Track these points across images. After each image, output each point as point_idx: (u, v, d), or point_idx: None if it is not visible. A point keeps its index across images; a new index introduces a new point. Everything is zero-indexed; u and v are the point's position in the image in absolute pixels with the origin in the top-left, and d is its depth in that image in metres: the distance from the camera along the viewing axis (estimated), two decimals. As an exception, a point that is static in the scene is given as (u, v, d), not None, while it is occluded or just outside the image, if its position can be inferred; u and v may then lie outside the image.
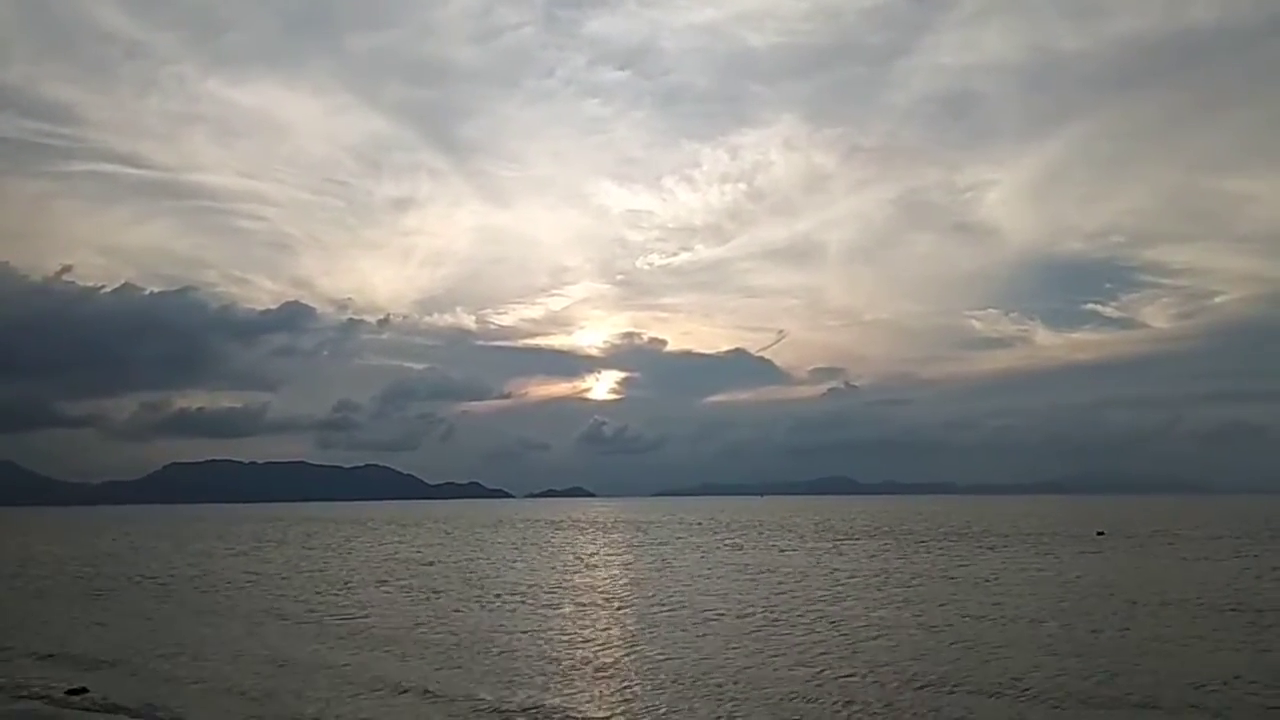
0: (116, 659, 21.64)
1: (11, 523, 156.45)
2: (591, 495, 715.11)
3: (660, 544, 66.27)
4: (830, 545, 61.36)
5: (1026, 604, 28.55)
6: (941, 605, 28.45)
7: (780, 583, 36.05)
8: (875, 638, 22.55)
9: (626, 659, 20.49)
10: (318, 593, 35.44)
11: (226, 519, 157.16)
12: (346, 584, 38.45)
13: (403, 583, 38.94)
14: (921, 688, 16.82)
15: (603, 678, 18.54)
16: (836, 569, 42.35)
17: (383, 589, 36.49)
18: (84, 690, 17.80)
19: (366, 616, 28.40)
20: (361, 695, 17.25)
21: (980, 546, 58.02)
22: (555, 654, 21.09)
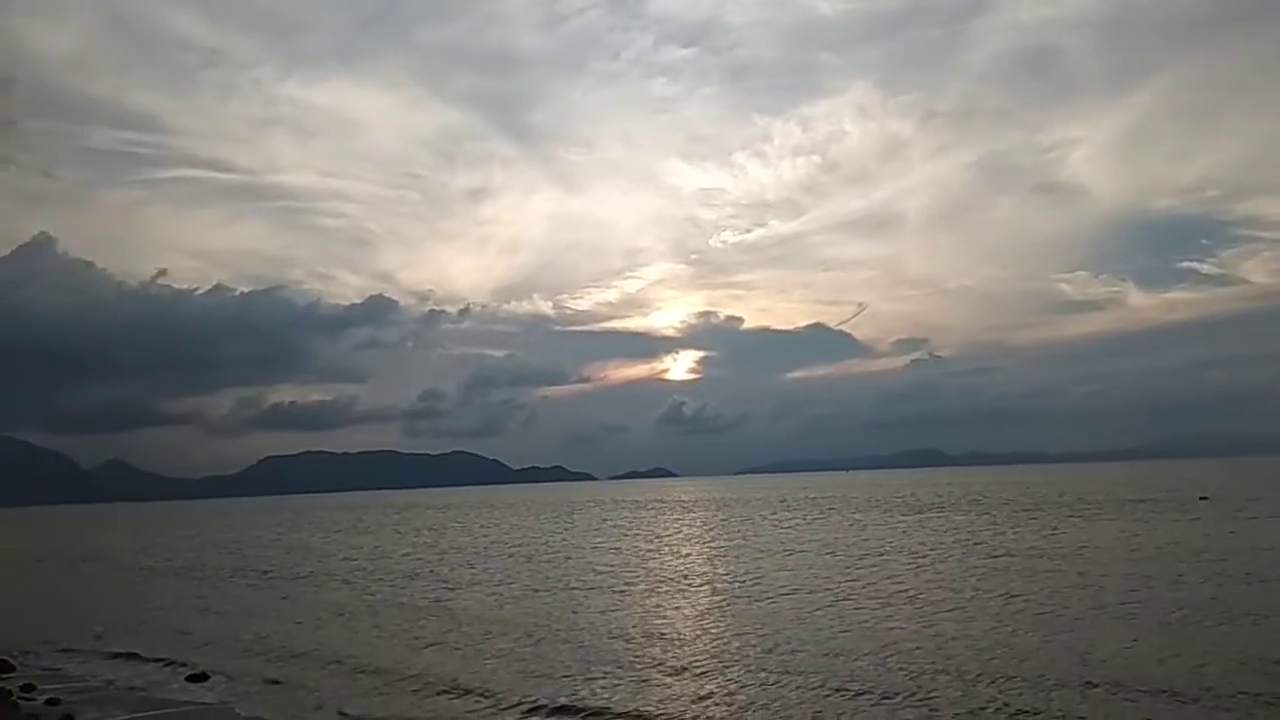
0: (232, 644, 23.16)
1: (123, 518, 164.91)
2: (673, 475, 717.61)
3: (741, 521, 66.66)
4: (913, 518, 60.88)
5: (1118, 575, 28.03)
6: (1025, 577, 28.24)
7: (860, 557, 36.15)
8: (951, 610, 22.64)
9: (703, 637, 21.07)
10: (412, 576, 36.88)
11: (322, 509, 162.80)
12: (439, 560, 39.97)
13: (489, 566, 40.17)
14: (992, 660, 16.97)
15: (678, 656, 19.14)
16: (919, 542, 42.17)
17: (470, 570, 37.75)
18: (205, 676, 19.14)
19: (454, 597, 29.57)
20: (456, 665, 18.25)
21: (1070, 515, 56.83)
22: (632, 633, 21.76)
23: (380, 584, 34.73)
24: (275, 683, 18.15)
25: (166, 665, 20.41)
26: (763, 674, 16.53)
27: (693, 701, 14.83)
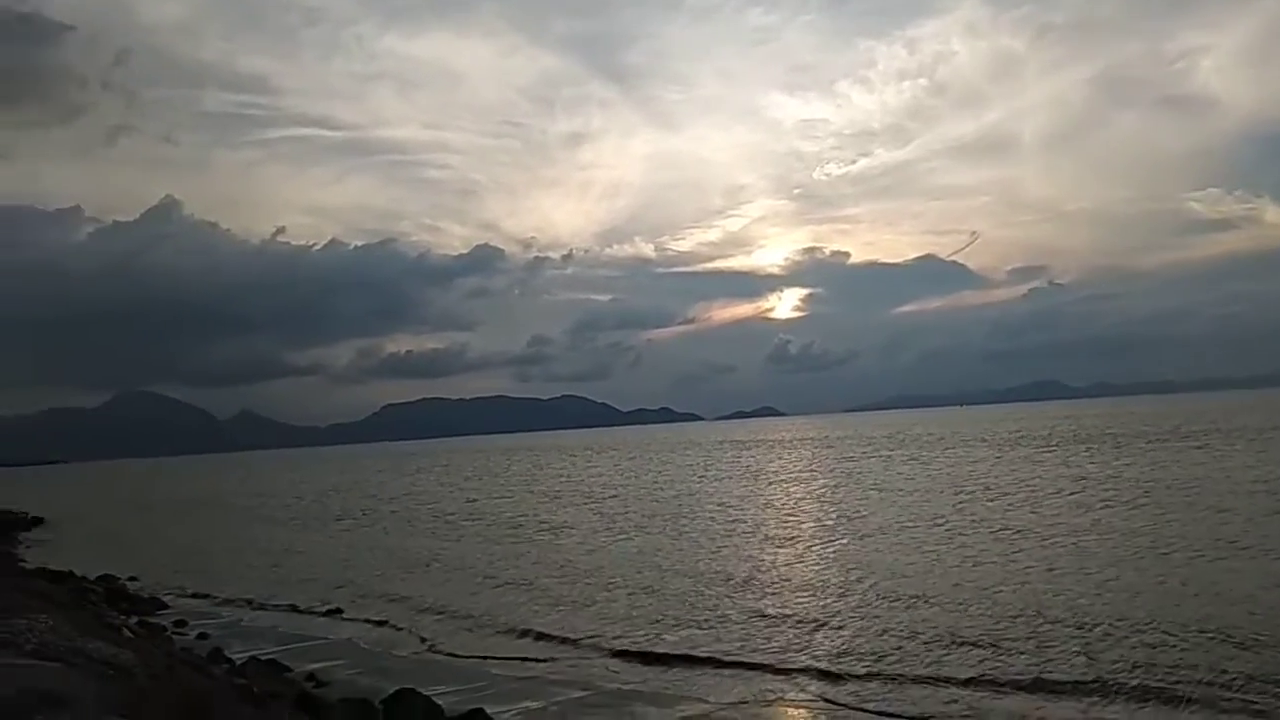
0: (359, 581, 24.72)
1: (258, 465, 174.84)
2: (781, 414, 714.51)
3: (848, 459, 66.32)
4: (1028, 453, 59.40)
5: (1252, 511, 26.84)
6: (1148, 514, 27.40)
7: (972, 494, 35.67)
8: (1065, 547, 22.26)
9: (804, 578, 21.37)
10: (526, 515, 38.27)
11: (438, 454, 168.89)
12: (554, 500, 41.35)
13: (597, 508, 41.26)
14: (1105, 602, 16.72)
15: (780, 601, 19.51)
16: (1033, 477, 41.25)
17: (580, 510, 38.89)
18: (341, 610, 20.55)
19: (564, 535, 30.63)
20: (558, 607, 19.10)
21: (1198, 447, 54.38)
22: (733, 576, 22.20)
23: (491, 528, 36.10)
24: (381, 623, 19.32)
25: (299, 606, 21.91)
26: (867, 617, 16.67)
27: (797, 649, 15.10)
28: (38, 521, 55.04)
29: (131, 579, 26.25)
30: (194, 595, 24.05)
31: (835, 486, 43.86)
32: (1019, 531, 24.93)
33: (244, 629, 19.32)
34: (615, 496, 46.27)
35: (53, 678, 5.10)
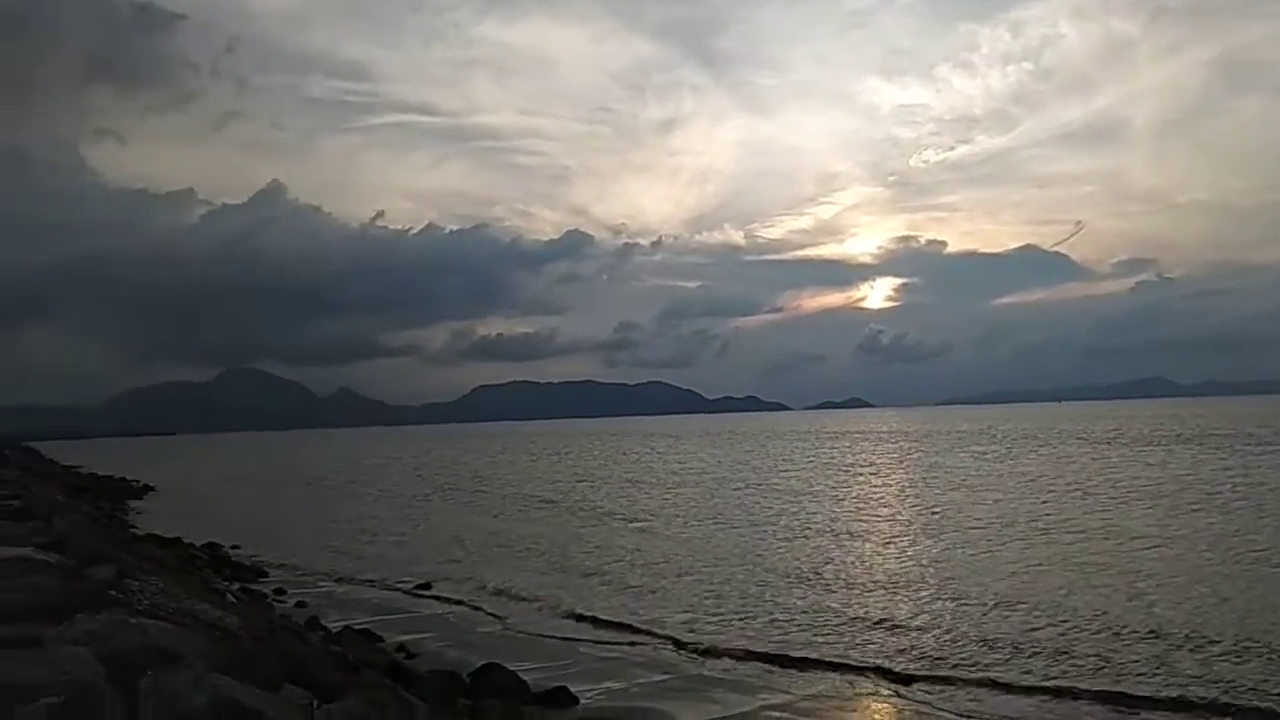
0: (446, 559, 25.38)
1: (355, 442, 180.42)
2: (870, 406, 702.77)
3: (937, 454, 64.92)
4: (1127, 453, 57.14)
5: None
6: (1235, 514, 26.16)
7: (1062, 493, 34.57)
8: (1155, 548, 21.46)
9: (886, 572, 21.07)
10: (609, 501, 38.66)
11: (527, 436, 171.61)
12: (636, 486, 41.69)
13: (680, 493, 41.39)
14: (1189, 609, 16.05)
15: (859, 601, 19.28)
16: (1129, 477, 39.71)
17: (662, 497, 39.08)
18: (429, 585, 21.15)
19: (645, 522, 30.83)
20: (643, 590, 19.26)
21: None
22: (814, 566, 22.03)
23: (575, 513, 36.53)
24: (466, 600, 19.76)
25: (390, 581, 22.58)
26: (945, 619, 16.33)
27: (872, 647, 14.92)
28: (148, 489, 57.97)
29: (234, 547, 27.44)
30: (292, 565, 24.98)
31: (922, 482, 43.02)
32: (1109, 534, 24.05)
33: (338, 599, 20.03)
34: (696, 485, 46.34)
35: (165, 635, 5.40)
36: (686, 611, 17.22)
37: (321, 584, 22.15)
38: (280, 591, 20.34)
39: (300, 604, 18.85)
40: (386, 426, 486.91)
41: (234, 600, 14.28)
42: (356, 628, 15.63)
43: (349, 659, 11.35)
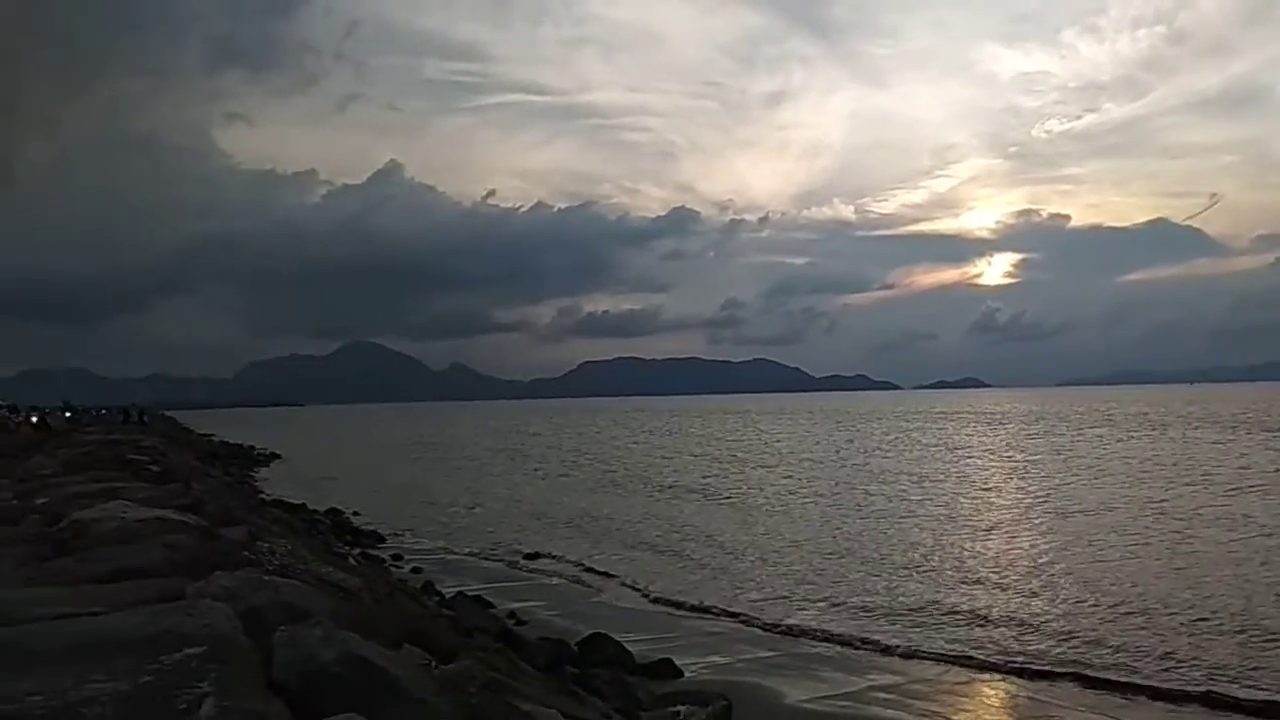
0: (554, 529, 25.92)
1: (467, 414, 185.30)
2: (986, 386, 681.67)
3: (1056, 436, 62.49)
4: (1264, 438, 53.77)
5: None
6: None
7: (1191, 479, 32.84)
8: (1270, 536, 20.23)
9: (999, 562, 20.51)
10: (711, 479, 38.73)
11: (634, 410, 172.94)
12: (741, 464, 41.66)
13: (785, 472, 41.10)
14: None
15: (970, 581, 18.81)
16: (1266, 464, 37.41)
17: (766, 476, 38.90)
18: (537, 555, 21.66)
19: (748, 502, 30.74)
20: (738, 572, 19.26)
21: None
22: (923, 554, 21.59)
23: (678, 490, 36.70)
24: (573, 570, 20.10)
25: (499, 549, 23.20)
26: (1062, 614, 15.81)
27: (984, 642, 14.57)
28: (275, 457, 60.98)
29: (354, 513, 28.64)
30: (406, 532, 25.93)
31: (1040, 466, 41.48)
32: (1242, 523, 22.76)
33: (451, 566, 20.70)
34: (805, 462, 45.91)
35: (295, 593, 5.71)
36: (783, 594, 17.12)
37: (434, 551, 22.93)
38: (397, 557, 21.15)
39: (416, 569, 19.56)
40: (496, 400, 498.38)
41: (355, 564, 14.92)
42: (469, 594, 16.14)
43: (462, 623, 11.75)
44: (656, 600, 16.96)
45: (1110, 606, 15.08)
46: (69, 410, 74.23)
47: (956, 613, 15.19)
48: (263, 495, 31.91)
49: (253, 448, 68.16)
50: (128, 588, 5.99)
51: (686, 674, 11.82)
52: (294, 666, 4.41)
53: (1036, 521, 24.73)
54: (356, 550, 20.74)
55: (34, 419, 53.82)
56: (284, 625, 4.85)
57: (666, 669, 11.84)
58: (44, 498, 12.35)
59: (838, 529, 24.23)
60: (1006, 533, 23.15)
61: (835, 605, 16.03)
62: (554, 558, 21.51)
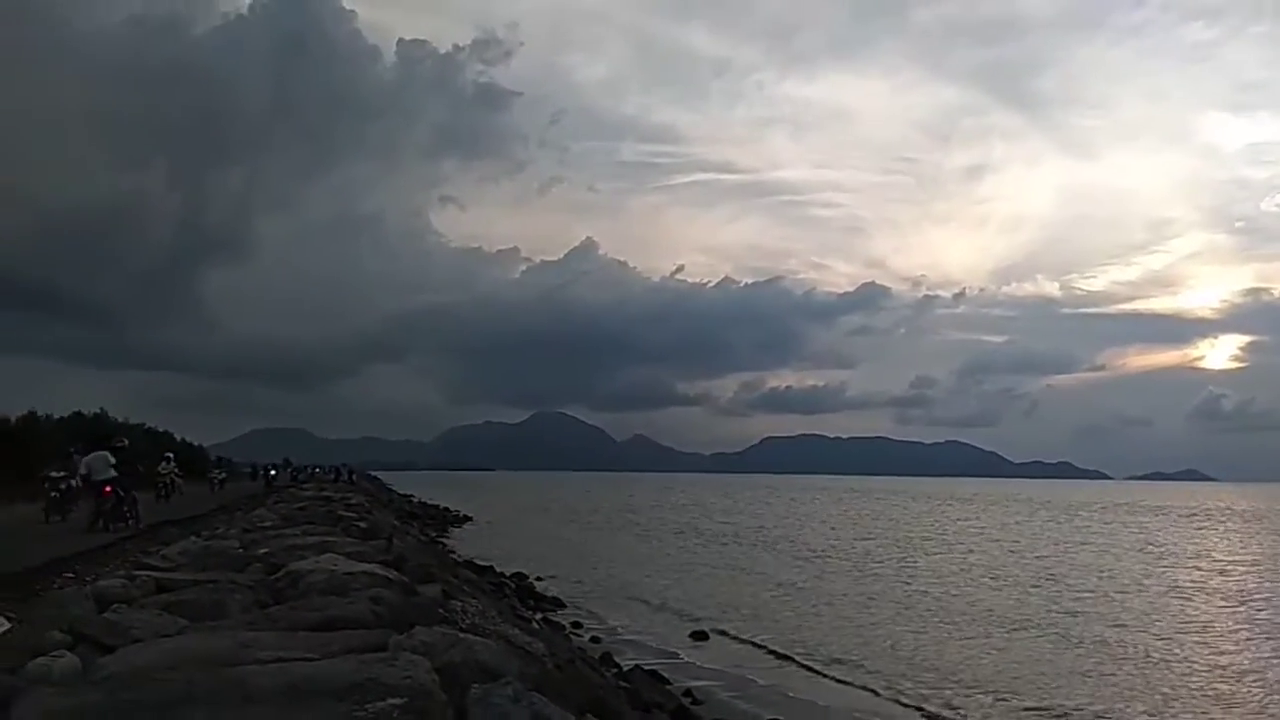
0: (737, 606, 25.56)
1: (649, 485, 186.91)
2: (1209, 479, 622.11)
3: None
4: None
5: None
6: None
7: None
8: None
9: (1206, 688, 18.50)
10: (882, 561, 37.13)
11: (820, 489, 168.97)
12: (917, 550, 39.73)
13: (999, 568, 38.85)
14: None
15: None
16: None
17: (959, 566, 36.88)
18: (705, 635, 21.38)
19: (945, 592, 29.19)
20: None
21: None
22: (1132, 671, 19.79)
23: (867, 572, 35.38)
24: (755, 650, 19.61)
25: (681, 623, 23.05)
26: None
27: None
28: (467, 519, 63.52)
29: (538, 579, 29.33)
30: (589, 602, 26.24)
31: (1265, 572, 37.23)
32: None
33: (630, 639, 20.72)
34: (1007, 554, 43.25)
35: (486, 652, 5.94)
36: (989, 693, 16.08)
37: (614, 621, 23.05)
38: (577, 625, 21.43)
39: (595, 639, 19.73)
40: (677, 473, 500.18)
41: (538, 628, 15.28)
42: (645, 668, 16.11)
43: (640, 697, 11.75)
44: (831, 691, 16.29)
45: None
46: (289, 467, 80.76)
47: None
48: (454, 555, 33.25)
49: (447, 509, 71.29)
50: (337, 636, 6.44)
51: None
52: (486, 722, 4.59)
53: (1259, 639, 22.16)
54: (539, 615, 21.19)
55: (263, 474, 59.34)
56: (476, 683, 5.06)
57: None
58: (265, 548, 13.46)
59: (1046, 635, 22.62)
60: (1226, 655, 20.87)
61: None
62: (737, 637, 21.15)
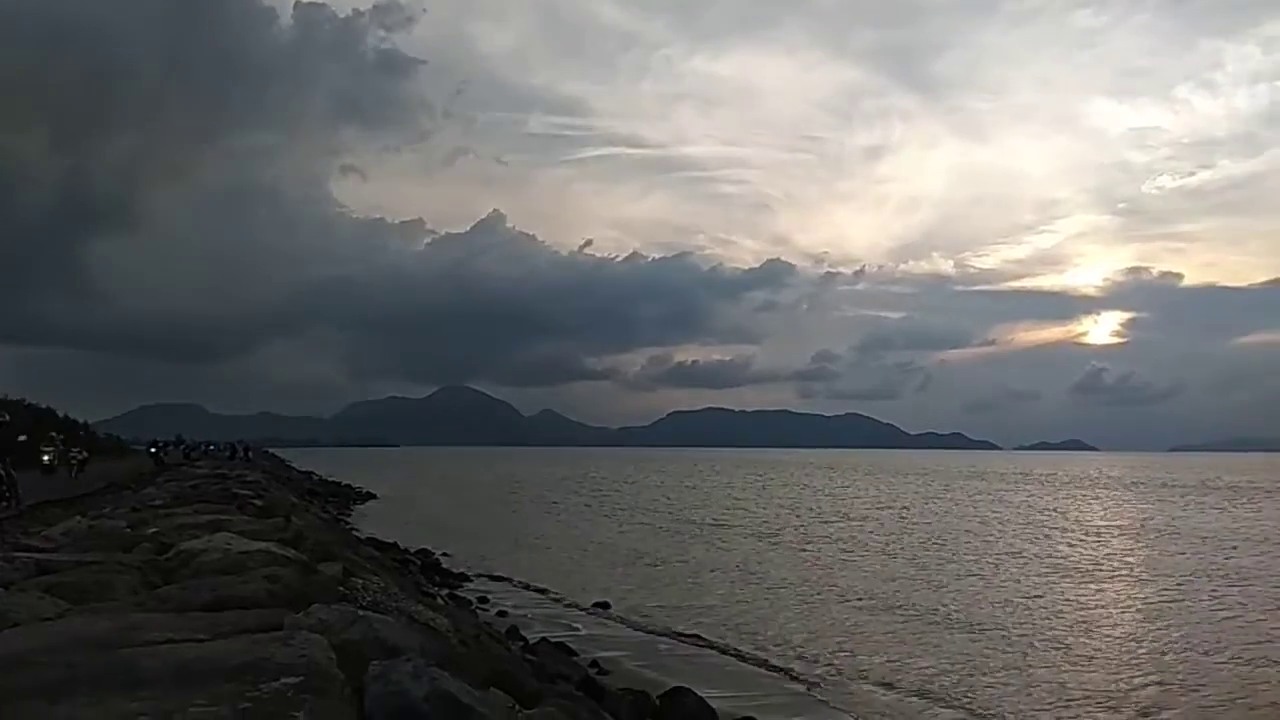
0: (638, 577, 25.82)
1: (556, 459, 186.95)
2: (1090, 449, 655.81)
3: (1160, 502, 59.50)
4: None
5: None
6: None
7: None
8: None
9: (1097, 638, 19.59)
10: (803, 525, 38.09)
11: (723, 461, 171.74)
12: (831, 520, 40.85)
13: (873, 531, 40.13)
14: None
15: (1070, 660, 18.02)
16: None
17: (852, 531, 38.05)
18: (607, 605, 21.56)
19: (843, 558, 30.09)
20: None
21: None
22: (1016, 622, 20.78)
23: (764, 540, 36.16)
24: (655, 621, 19.92)
25: (581, 597, 23.17)
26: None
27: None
28: (370, 496, 62.45)
29: (444, 554, 29.07)
30: (492, 574, 26.16)
31: (1145, 537, 39.56)
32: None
33: (536, 612, 20.75)
34: (899, 521, 44.76)
35: (387, 629, 5.86)
36: (874, 658, 16.69)
37: (520, 595, 23.05)
38: (483, 600, 21.35)
39: (501, 613, 19.69)
40: (584, 447, 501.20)
41: (443, 604, 15.14)
42: (553, 640, 16.17)
43: (546, 669, 11.78)
44: (744, 658, 16.67)
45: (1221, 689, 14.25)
46: (182, 445, 77.74)
47: (1059, 693, 14.60)
48: (356, 533, 32.69)
49: (349, 486, 69.98)
50: (230, 616, 6.27)
51: (768, 734, 11.58)
52: (385, 700, 4.53)
53: (1141, 596, 23.57)
54: (444, 591, 21.02)
55: (152, 451, 56.86)
56: (376, 660, 4.99)
57: (749, 728, 11.62)
58: (155, 528, 12.98)
59: (933, 594, 23.55)
60: (1112, 606, 22.13)
61: (936, 674, 15.54)
62: (641, 607, 21.38)
